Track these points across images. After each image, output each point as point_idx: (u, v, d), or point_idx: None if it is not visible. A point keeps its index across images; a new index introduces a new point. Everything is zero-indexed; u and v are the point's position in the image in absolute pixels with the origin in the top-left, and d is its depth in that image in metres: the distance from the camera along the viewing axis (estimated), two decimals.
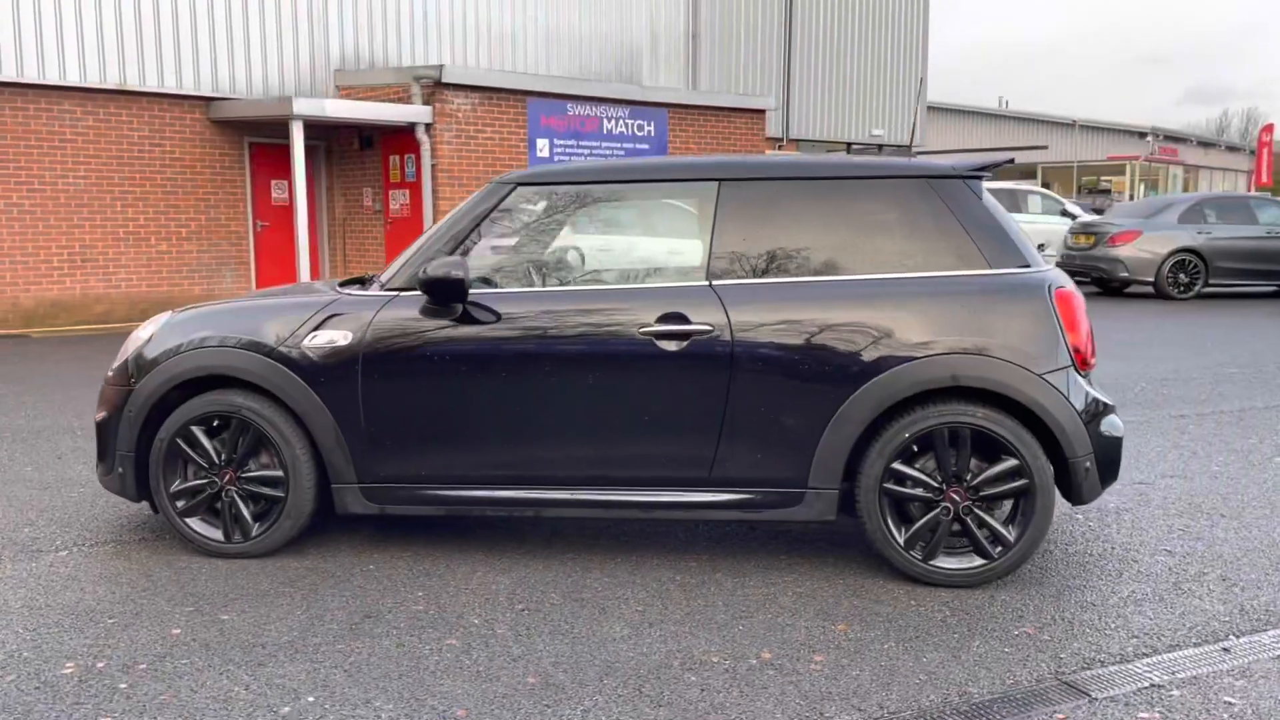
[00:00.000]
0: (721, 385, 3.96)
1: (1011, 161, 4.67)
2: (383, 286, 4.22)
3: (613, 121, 14.68)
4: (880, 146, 22.89)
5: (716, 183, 4.15)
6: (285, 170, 14.46)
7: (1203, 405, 7.52)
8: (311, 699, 3.05)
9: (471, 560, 4.26)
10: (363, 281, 4.57)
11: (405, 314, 4.12)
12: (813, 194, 4.12)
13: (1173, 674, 3.26)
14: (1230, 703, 3.07)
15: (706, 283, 4.04)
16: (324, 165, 14.90)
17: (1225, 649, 3.45)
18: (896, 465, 3.92)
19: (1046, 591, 3.93)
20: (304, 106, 12.16)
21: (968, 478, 3.91)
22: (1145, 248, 15.03)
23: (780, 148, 20.56)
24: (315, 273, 14.08)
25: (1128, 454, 5.70)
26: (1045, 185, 33.67)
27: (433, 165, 13.05)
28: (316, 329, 4.16)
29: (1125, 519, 4.85)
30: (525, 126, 13.77)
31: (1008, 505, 3.97)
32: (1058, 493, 3.98)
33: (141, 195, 13.32)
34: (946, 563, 3.95)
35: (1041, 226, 17.46)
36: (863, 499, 3.96)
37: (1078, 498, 3.98)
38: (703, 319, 3.95)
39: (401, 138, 13.30)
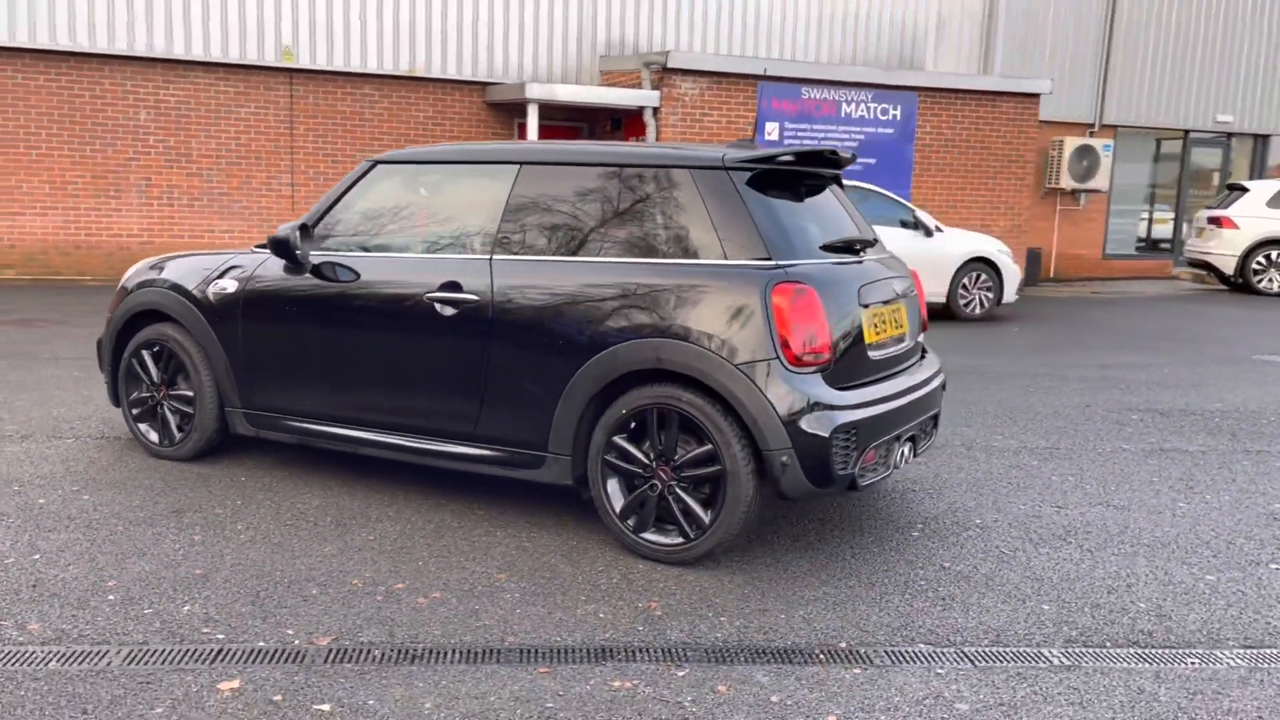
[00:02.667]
0: (482, 350, 4.40)
1: (831, 153, 4.53)
2: (265, 245, 5.06)
3: (852, 105, 14.55)
4: (1229, 135, 20.35)
5: (518, 166, 4.56)
6: None
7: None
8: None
9: (327, 479, 5.02)
10: None
11: (273, 270, 4.94)
12: (591, 180, 4.40)
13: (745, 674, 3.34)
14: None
15: (488, 257, 4.47)
16: None
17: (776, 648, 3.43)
18: (617, 439, 4.15)
19: (718, 575, 4.00)
20: (536, 91, 13.35)
21: (675, 458, 4.06)
22: None
23: (1092, 134, 18.98)
24: None
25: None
26: None
27: None
28: (219, 278, 5.10)
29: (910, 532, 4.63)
30: (754, 110, 14.06)
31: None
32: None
33: None
34: (654, 538, 4.13)
35: None
36: (589, 468, 4.23)
37: (778, 492, 3.98)
38: (472, 289, 4.41)
39: (638, 121, 14.13)
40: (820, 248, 4.31)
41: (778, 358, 3.91)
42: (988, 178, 15.55)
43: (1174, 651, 3.51)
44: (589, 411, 4.21)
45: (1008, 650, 3.47)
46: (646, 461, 4.10)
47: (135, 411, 5.44)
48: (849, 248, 4.46)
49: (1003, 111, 15.38)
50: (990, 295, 12.56)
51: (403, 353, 4.61)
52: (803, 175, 4.54)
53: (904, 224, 12.15)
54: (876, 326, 4.38)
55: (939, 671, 3.29)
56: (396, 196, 4.90)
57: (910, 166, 15.05)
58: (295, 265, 4.84)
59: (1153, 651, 3.50)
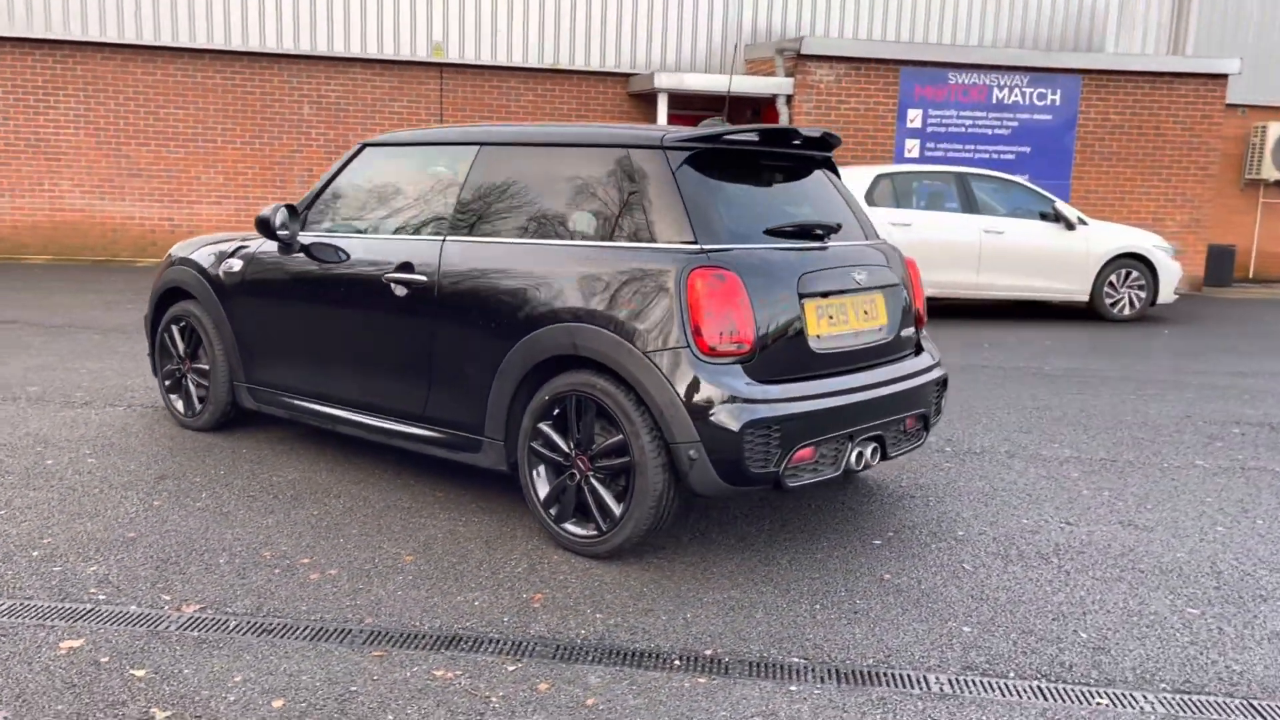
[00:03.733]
0: (430, 331, 4.40)
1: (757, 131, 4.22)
2: None
3: (1005, 90, 13.70)
4: None
5: (477, 147, 4.53)
6: None
7: None
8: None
9: (312, 457, 5.17)
10: None
11: (271, 250, 5.11)
12: (538, 161, 4.31)
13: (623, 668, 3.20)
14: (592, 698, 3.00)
15: (442, 238, 4.47)
16: None
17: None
18: (542, 426, 4.05)
19: (629, 570, 3.83)
20: (664, 80, 13.27)
21: (592, 448, 3.93)
22: None
23: None
24: None
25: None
26: None
27: None
28: (230, 256, 5.33)
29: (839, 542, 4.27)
30: (895, 97, 13.49)
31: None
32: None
33: None
34: (573, 528, 4.01)
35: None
36: (519, 455, 4.16)
37: (688, 487, 3.78)
38: (422, 270, 4.42)
39: (774, 110, 13.82)
40: (766, 232, 4.06)
41: (689, 346, 3.72)
42: (1161, 167, 14.31)
43: (1084, 689, 3.10)
44: (519, 396, 4.13)
45: (890, 672, 3.16)
46: (567, 450, 3.99)
47: (167, 383, 5.76)
48: (806, 233, 4.18)
49: (1181, 95, 14.11)
50: (1142, 294, 11.57)
51: (366, 332, 4.67)
52: (762, 156, 4.30)
53: (1043, 216, 11.37)
54: (831, 317, 4.09)
55: (793, 689, 3.04)
56: (381, 178, 4.97)
57: (1070, 155, 14.05)
58: (285, 245, 4.99)
59: (1057, 687, 3.11)
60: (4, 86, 14.15)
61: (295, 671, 3.01)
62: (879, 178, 11.15)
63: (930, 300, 11.74)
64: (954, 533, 4.42)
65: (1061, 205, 11.40)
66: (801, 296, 3.95)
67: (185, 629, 3.26)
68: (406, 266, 4.47)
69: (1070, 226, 11.29)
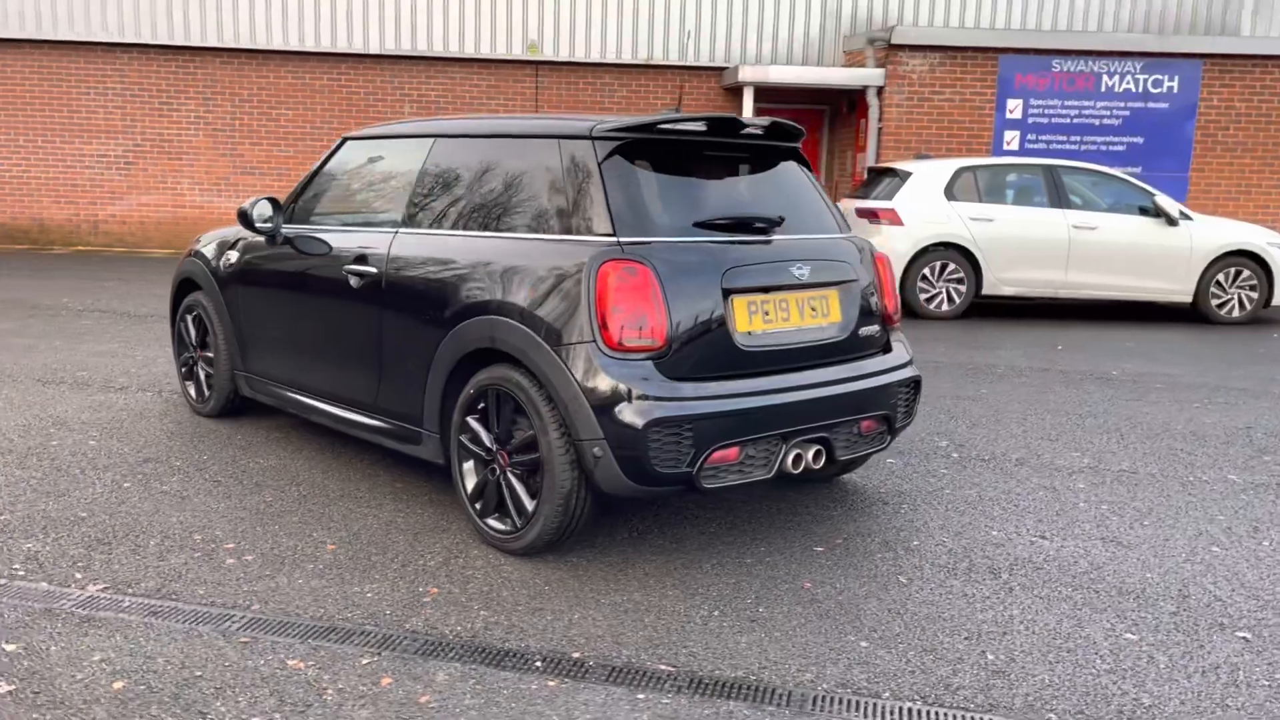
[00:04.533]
0: (378, 323, 4.44)
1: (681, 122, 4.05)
2: None
3: (1115, 78, 12.94)
4: None
5: (432, 140, 4.54)
6: None
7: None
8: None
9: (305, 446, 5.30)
10: None
11: (259, 243, 5.25)
12: (480, 153, 4.29)
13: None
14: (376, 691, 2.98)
15: (395, 230, 4.50)
16: (827, 129, 15.56)
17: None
18: (470, 420, 4.03)
19: (541, 568, 3.75)
20: (747, 74, 13.06)
21: (509, 443, 3.88)
22: None
23: None
24: None
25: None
26: None
27: (879, 129, 13.02)
28: (230, 249, 5.51)
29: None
30: (994, 86, 12.91)
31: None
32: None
33: None
34: (494, 523, 3.97)
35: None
36: (450, 448, 4.15)
37: (595, 486, 3.69)
38: (374, 262, 4.46)
39: (864, 103, 13.45)
40: (697, 225, 3.92)
41: (595, 341, 3.62)
42: None
43: (958, 714, 2.88)
44: (451, 390, 4.12)
45: (755, 685, 3.01)
46: (489, 445, 3.96)
47: (183, 370, 6.00)
48: (744, 226, 4.02)
49: None
50: (1254, 295, 10.75)
51: (329, 323, 4.75)
52: (710, 146, 4.16)
53: (1142, 211, 10.70)
54: (766, 314, 3.92)
55: (640, 697, 2.92)
56: (358, 171, 5.04)
57: (1189, 146, 13.18)
58: (270, 238, 5.12)
59: (931, 710, 2.90)
60: (130, 90, 15.04)
61: (153, 654, 3.07)
62: (960, 171, 10.70)
63: (1014, 300, 11.23)
64: (909, 542, 4.19)
65: (1163, 199, 10.69)
66: (728, 292, 3.80)
67: (78, 607, 3.37)
68: (361, 258, 4.52)
69: (1172, 222, 10.59)
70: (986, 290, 10.67)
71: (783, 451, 3.88)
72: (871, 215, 10.71)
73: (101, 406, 5.94)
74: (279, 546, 3.94)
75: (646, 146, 3.99)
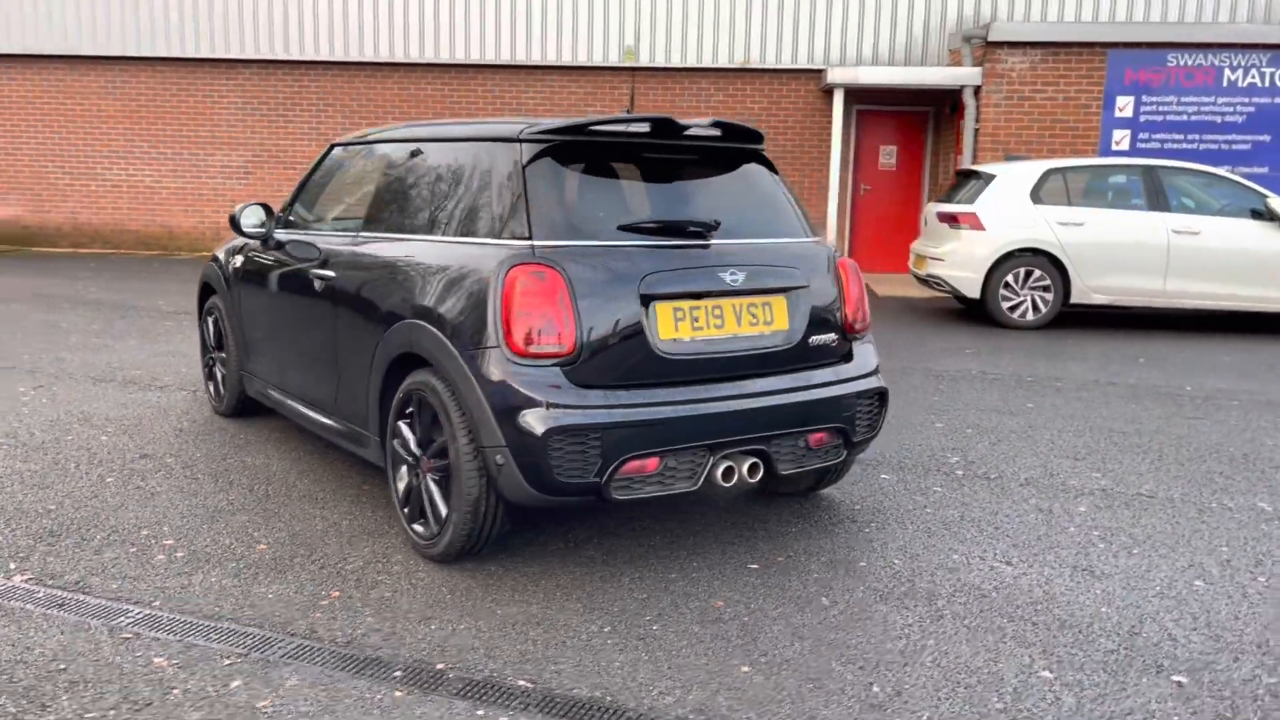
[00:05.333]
0: (334, 325, 4.49)
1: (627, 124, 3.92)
2: None
3: (1238, 72, 12.05)
4: None
5: (391, 144, 4.58)
6: (894, 136, 15.07)
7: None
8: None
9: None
10: None
11: (257, 247, 5.40)
12: (432, 157, 4.29)
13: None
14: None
15: (355, 234, 4.54)
16: (931, 133, 15.04)
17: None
18: (400, 424, 4.02)
19: (452, 576, 3.70)
20: (836, 75, 12.70)
21: (430, 448, 3.85)
22: None
23: None
24: (914, 235, 14.36)
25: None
26: None
27: (975, 129, 12.48)
28: (236, 254, 5.68)
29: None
30: (1101, 83, 12.20)
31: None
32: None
33: None
34: (419, 528, 3.95)
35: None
36: (385, 451, 4.15)
37: (500, 494, 3.61)
38: (334, 265, 4.51)
39: (961, 104, 12.93)
40: (621, 229, 3.81)
41: (500, 346, 3.55)
42: None
43: None
44: (386, 393, 4.12)
45: (610, 705, 2.88)
46: (415, 449, 3.94)
47: (205, 370, 6.22)
48: (676, 230, 3.87)
49: None
50: None
51: (299, 324, 4.84)
52: (651, 149, 4.04)
53: (1255, 214, 9.92)
54: (696, 320, 3.77)
55: (480, 713, 2.83)
56: (341, 177, 5.12)
57: None
58: (263, 242, 5.25)
59: None
60: (250, 104, 15.78)
61: (34, 645, 3.16)
62: (1049, 173, 10.15)
63: (1107, 310, 10.58)
64: (855, 563, 3.96)
65: (1276, 201, 9.88)
66: (649, 298, 3.67)
67: None
68: (324, 262, 4.59)
69: None
70: (1075, 299, 10.07)
71: (709, 463, 3.73)
72: (951, 219, 10.28)
73: (133, 404, 6.21)
74: (214, 545, 4.02)
75: (581, 149, 3.90)
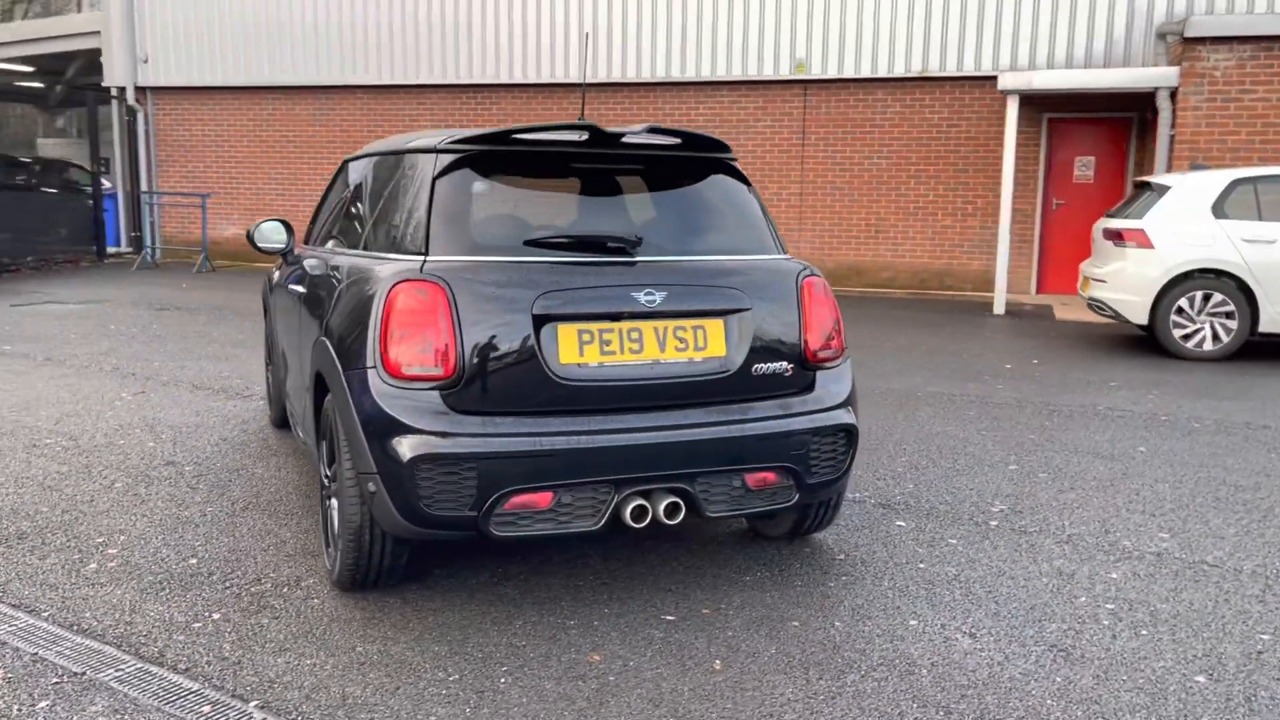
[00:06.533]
0: (298, 342, 4.45)
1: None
2: None
3: None
4: None
5: (359, 160, 4.52)
6: (1092, 146, 13.85)
7: None
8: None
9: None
10: None
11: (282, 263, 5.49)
12: (372, 171, 4.22)
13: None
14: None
15: (321, 248, 4.52)
16: (1135, 140, 13.69)
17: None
18: (321, 445, 3.91)
19: (349, 604, 3.51)
20: (1009, 81, 11.70)
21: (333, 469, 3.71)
22: None
23: None
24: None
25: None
26: None
27: (1171, 136, 11.19)
28: (277, 270, 5.80)
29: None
30: None
31: None
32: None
33: (934, 174, 14.38)
34: (330, 553, 3.81)
35: None
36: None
37: (373, 520, 3.40)
38: (308, 280, 4.47)
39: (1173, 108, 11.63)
40: (528, 244, 3.53)
41: (378, 367, 3.36)
42: None
43: None
44: (318, 415, 4.02)
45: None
46: (326, 473, 3.82)
47: (267, 381, 6.40)
48: (594, 245, 3.56)
49: None
50: None
51: (285, 339, 4.85)
52: (587, 159, 3.75)
53: None
54: (606, 344, 3.44)
55: None
56: (346, 192, 5.09)
57: None
58: (283, 256, 5.32)
59: None
60: (437, 122, 16.44)
61: None
62: (1235, 183, 8.93)
63: None
64: (788, 624, 3.48)
65: None
66: (545, 318, 3.38)
67: None
68: (301, 277, 4.57)
69: None
70: (1265, 327, 8.79)
71: (613, 501, 3.38)
72: (1116, 237, 9.23)
73: (203, 412, 6.46)
74: (151, 557, 4.03)
75: (504, 160, 3.68)
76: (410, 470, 3.22)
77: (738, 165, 4.01)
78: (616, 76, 15.31)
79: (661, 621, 3.49)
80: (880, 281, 14.75)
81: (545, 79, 15.64)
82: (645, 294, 3.47)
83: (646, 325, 3.49)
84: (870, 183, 14.64)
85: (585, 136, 3.69)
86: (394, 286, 3.37)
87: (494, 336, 3.34)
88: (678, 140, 3.84)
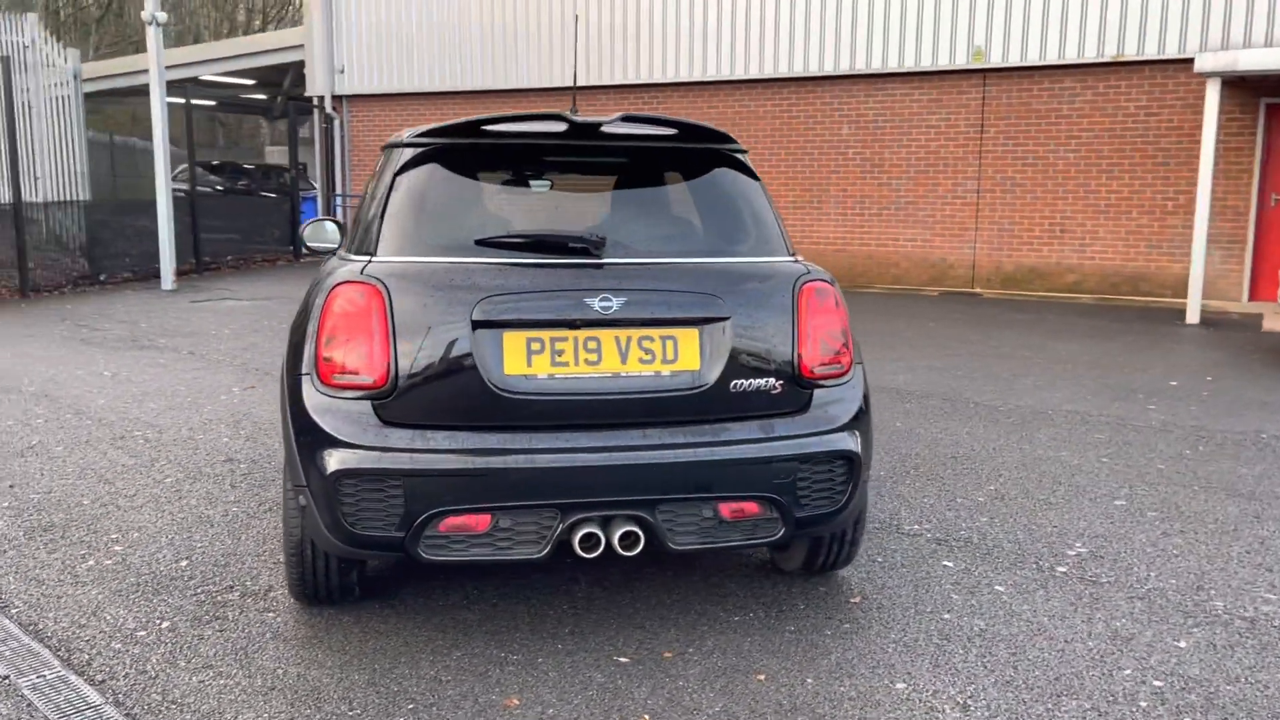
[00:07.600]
0: None
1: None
2: None
3: None
4: None
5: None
6: None
7: None
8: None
9: None
10: None
11: None
12: (375, 169, 4.02)
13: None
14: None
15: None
16: None
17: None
18: None
19: (309, 620, 3.34)
20: (1209, 62, 10.41)
21: None
22: None
23: None
24: None
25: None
26: None
27: None
28: None
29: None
30: None
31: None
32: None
33: (1128, 167, 13.11)
34: None
35: None
36: None
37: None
38: None
39: None
40: (478, 243, 3.25)
41: (313, 374, 3.17)
42: None
43: None
44: None
45: None
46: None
47: None
48: (555, 246, 3.24)
49: None
50: None
51: None
52: (562, 150, 3.45)
53: None
54: (558, 354, 3.12)
55: None
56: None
57: None
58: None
59: None
60: None
61: None
62: None
63: None
64: (751, 677, 3.05)
65: None
66: (488, 324, 3.09)
67: None
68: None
69: None
70: None
71: (558, 527, 3.07)
72: None
73: (256, 403, 6.54)
74: (148, 559, 4.01)
75: (472, 154, 3.43)
76: (333, 485, 3.01)
77: (744, 158, 3.59)
78: (784, 71, 14.81)
79: (611, 664, 3.14)
80: (1064, 286, 13.58)
81: (722, 75, 15.32)
82: (601, 300, 3.12)
83: (607, 334, 3.14)
84: (1054, 178, 13.51)
85: (563, 128, 3.38)
86: (334, 289, 3.17)
87: (431, 344, 3.08)
88: (673, 131, 3.47)
